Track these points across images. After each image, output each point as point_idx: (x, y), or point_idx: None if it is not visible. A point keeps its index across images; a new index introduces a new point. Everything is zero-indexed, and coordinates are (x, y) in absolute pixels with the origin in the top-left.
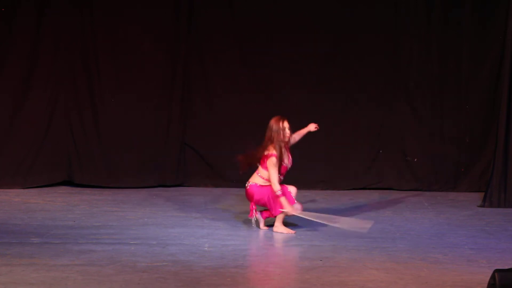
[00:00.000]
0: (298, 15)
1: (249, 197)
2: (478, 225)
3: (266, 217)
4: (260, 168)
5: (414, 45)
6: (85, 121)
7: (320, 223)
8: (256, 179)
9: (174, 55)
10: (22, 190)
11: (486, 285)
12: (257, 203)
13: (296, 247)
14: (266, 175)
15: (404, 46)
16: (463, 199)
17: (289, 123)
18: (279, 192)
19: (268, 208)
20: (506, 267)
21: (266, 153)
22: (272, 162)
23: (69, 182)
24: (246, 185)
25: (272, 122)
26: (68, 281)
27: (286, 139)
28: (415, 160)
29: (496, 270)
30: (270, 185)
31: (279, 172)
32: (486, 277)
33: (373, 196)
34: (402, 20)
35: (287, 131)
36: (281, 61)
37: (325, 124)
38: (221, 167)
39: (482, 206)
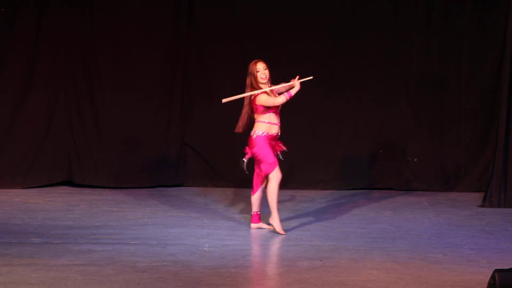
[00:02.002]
0: (298, 15)
1: (250, 146)
2: (478, 225)
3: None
4: (256, 115)
5: (414, 45)
6: (85, 121)
7: None
8: (259, 127)
9: (174, 55)
10: (22, 190)
11: (486, 285)
12: (253, 155)
13: (296, 247)
14: (266, 117)
15: (404, 46)
16: (463, 199)
17: (266, 63)
18: (287, 96)
19: (256, 166)
20: (506, 267)
21: (252, 97)
22: (263, 98)
23: (69, 182)
24: (252, 133)
25: (249, 66)
26: (68, 281)
27: (262, 81)
28: (415, 160)
29: (496, 270)
30: (272, 140)
31: (274, 109)
32: (486, 277)
33: (373, 196)
34: (402, 20)
35: (262, 72)
36: (281, 61)
37: (325, 124)
38: (221, 167)
39: (482, 206)
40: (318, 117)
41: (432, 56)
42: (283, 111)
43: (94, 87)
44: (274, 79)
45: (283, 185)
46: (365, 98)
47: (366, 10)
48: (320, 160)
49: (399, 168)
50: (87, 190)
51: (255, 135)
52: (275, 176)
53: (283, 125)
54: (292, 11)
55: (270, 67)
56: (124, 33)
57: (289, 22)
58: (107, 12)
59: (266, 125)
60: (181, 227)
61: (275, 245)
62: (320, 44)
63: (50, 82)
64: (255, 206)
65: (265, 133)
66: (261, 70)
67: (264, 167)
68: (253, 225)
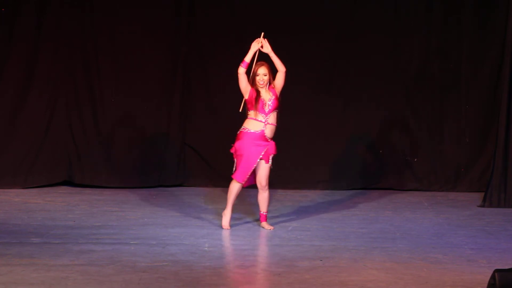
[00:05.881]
0: (298, 15)
1: (236, 139)
2: (478, 225)
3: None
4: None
5: (414, 45)
6: (85, 121)
7: None
8: (249, 124)
9: (174, 55)
10: (22, 190)
11: (486, 285)
12: (235, 150)
13: (296, 247)
14: (252, 114)
15: (404, 46)
16: (463, 199)
17: (268, 67)
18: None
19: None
20: (506, 267)
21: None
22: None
23: (69, 182)
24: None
25: (253, 64)
26: (68, 281)
27: (259, 84)
28: (415, 160)
29: (496, 270)
30: (258, 135)
31: (258, 108)
32: (486, 277)
33: (373, 196)
34: (402, 20)
35: (261, 77)
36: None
37: (325, 124)
38: (221, 167)
39: (482, 206)
40: (318, 116)
41: (432, 56)
42: (283, 111)
43: (94, 87)
44: (274, 79)
45: (283, 185)
46: (365, 98)
47: (366, 10)
48: (320, 160)
49: (399, 168)
50: (87, 190)
51: (239, 131)
52: (237, 183)
53: (283, 126)
54: (292, 11)
55: (269, 67)
56: (124, 33)
57: (289, 22)
58: (107, 12)
59: (256, 123)
60: (181, 227)
61: (275, 245)
62: (321, 44)
63: (50, 82)
64: (259, 206)
65: (248, 131)
66: (260, 75)
67: (236, 168)
68: (262, 224)
